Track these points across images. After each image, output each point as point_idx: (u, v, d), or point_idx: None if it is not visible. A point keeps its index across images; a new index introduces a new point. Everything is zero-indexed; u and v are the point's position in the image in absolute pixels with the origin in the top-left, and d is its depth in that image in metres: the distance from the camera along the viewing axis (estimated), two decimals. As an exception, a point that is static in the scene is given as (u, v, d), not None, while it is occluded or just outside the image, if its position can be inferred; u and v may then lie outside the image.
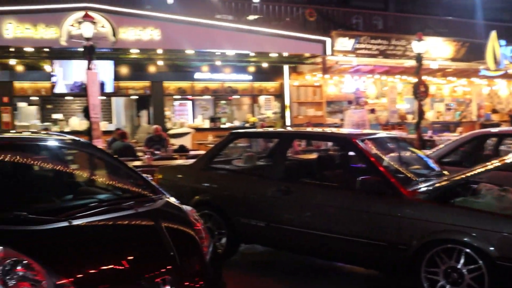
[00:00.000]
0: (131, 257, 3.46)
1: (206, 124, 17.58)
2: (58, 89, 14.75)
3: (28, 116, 16.52)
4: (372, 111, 17.95)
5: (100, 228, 3.67)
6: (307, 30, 15.85)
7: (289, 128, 14.01)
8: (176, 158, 10.75)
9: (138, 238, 3.78)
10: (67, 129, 14.86)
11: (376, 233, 4.86)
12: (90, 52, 9.48)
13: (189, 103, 18.65)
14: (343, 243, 5.07)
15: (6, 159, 4.63)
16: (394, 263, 4.85)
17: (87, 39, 9.51)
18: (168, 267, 3.50)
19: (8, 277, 3.04)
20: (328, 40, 15.34)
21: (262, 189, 5.70)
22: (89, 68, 9.35)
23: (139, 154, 11.12)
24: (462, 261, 4.43)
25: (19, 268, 3.09)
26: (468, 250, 4.40)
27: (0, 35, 12.29)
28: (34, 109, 16.98)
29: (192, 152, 11.86)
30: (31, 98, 16.21)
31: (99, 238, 3.60)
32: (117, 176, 4.81)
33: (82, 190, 4.65)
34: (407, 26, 18.46)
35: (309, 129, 9.62)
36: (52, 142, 5.00)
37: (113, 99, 17.53)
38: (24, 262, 3.11)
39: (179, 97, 17.62)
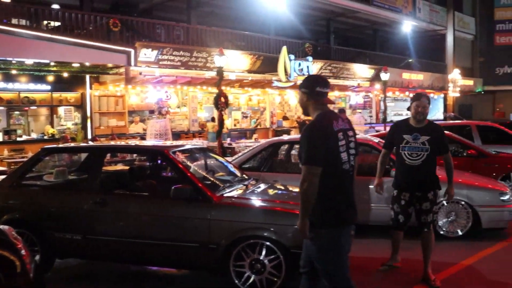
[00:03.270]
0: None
1: (-1, 137, 16.40)
2: None
3: None
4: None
5: None
6: (110, 40, 15.81)
7: (90, 142, 13.88)
8: (-28, 175, 9.99)
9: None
10: None
11: (189, 236, 5.34)
12: None
13: (-23, 114, 17.09)
14: (160, 248, 5.44)
15: None
16: (207, 261, 5.36)
17: None
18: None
19: None
20: (132, 51, 15.48)
21: (77, 202, 5.79)
22: None
23: None
24: (263, 253, 5.15)
25: None
26: (268, 243, 5.13)
27: None
28: None
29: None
30: None
31: None
32: None
33: None
34: (208, 38, 19.45)
35: (122, 142, 9.75)
36: None
37: None
38: None
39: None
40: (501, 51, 37.94)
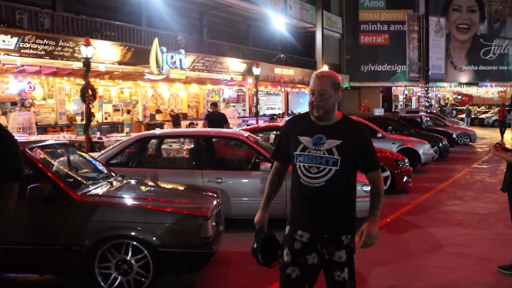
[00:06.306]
0: None
1: None
2: None
3: None
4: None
5: None
6: (-39, 24, 14.44)
7: None
8: None
9: None
10: None
11: (50, 238, 4.98)
12: None
13: None
14: (19, 253, 4.99)
15: None
16: (70, 264, 5.05)
17: None
18: None
19: None
20: (-15, 37, 14.24)
21: None
22: None
23: None
24: (130, 253, 4.96)
25: None
26: (134, 243, 4.95)
27: None
28: None
29: None
30: None
31: None
32: None
33: None
34: (75, 27, 18.48)
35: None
36: None
37: None
38: None
39: None
40: (365, 50, 40.49)
